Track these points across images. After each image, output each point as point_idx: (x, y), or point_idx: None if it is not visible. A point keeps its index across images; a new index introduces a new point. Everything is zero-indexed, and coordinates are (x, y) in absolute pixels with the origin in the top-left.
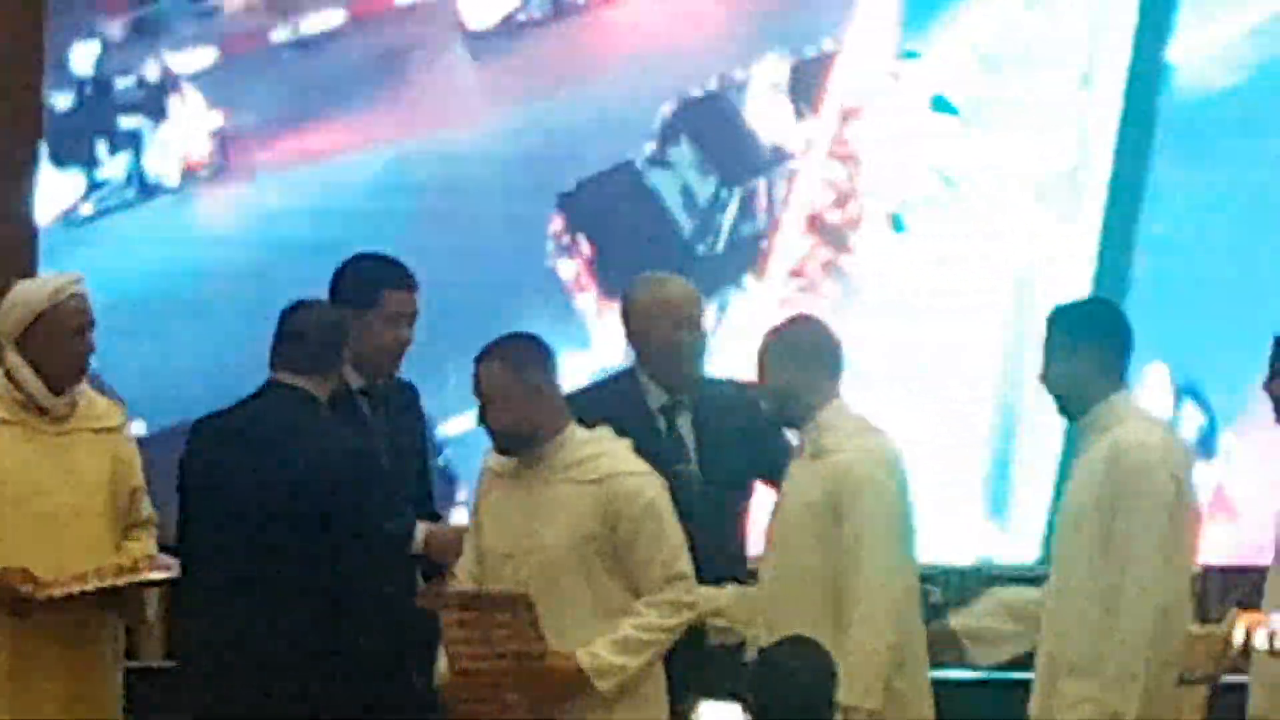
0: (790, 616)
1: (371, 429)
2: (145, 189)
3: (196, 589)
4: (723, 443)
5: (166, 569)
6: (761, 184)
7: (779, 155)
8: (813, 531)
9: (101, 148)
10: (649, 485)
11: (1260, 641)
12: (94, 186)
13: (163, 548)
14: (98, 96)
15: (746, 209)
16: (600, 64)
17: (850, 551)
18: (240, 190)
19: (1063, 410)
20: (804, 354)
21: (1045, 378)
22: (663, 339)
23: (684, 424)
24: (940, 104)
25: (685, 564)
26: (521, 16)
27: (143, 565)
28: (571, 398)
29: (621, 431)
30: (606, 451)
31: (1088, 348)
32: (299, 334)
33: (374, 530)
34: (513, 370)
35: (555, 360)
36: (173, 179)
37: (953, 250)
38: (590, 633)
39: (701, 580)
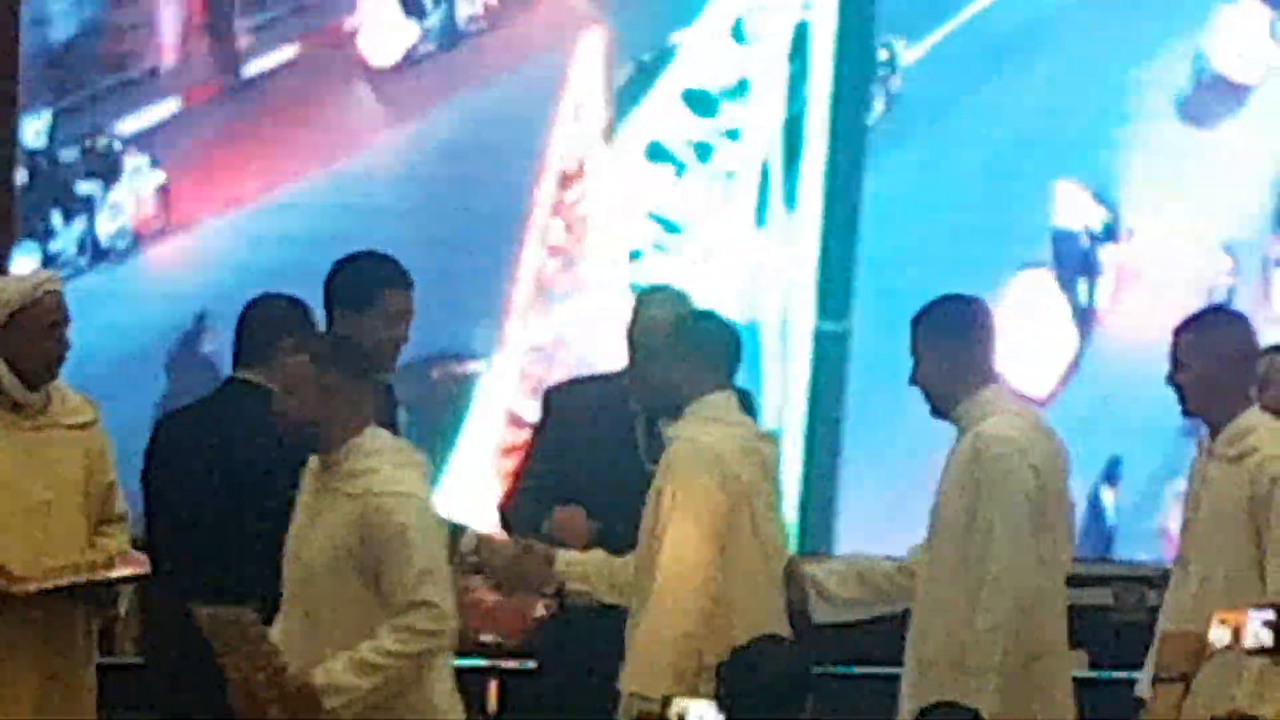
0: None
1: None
2: (98, 253)
3: (163, 585)
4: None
5: (140, 564)
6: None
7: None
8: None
9: (56, 218)
10: (405, 507)
11: (1238, 639)
12: (48, 260)
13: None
14: (50, 168)
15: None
16: (491, 87)
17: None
18: (185, 244)
19: (933, 409)
20: None
21: (914, 377)
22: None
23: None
24: (656, 151)
25: (431, 591)
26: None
27: (116, 561)
28: (561, 387)
29: (596, 428)
30: (380, 468)
31: (952, 345)
32: (248, 328)
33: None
34: (315, 365)
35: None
36: (124, 240)
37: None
38: (346, 647)
39: None
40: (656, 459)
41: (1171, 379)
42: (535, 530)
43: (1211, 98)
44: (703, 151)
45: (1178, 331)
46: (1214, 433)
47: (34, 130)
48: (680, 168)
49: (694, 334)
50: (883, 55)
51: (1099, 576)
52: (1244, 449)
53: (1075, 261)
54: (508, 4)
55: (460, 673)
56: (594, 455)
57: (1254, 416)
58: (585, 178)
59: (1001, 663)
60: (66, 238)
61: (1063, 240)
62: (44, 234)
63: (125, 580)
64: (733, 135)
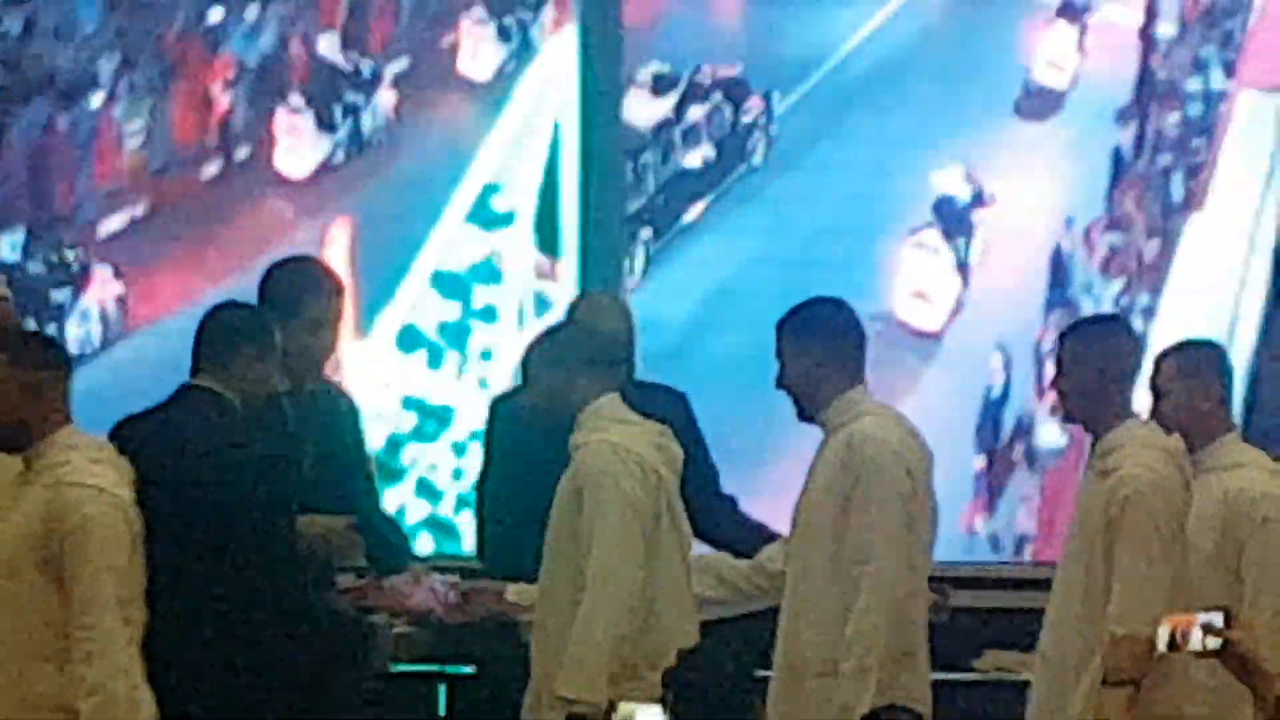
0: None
1: (295, 433)
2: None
3: None
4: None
5: None
6: None
7: None
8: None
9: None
10: (92, 500)
11: (1189, 642)
12: None
13: None
14: (23, 279)
15: None
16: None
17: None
18: (144, 344)
19: (800, 412)
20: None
21: (780, 381)
22: None
23: None
24: (410, 337)
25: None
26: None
27: None
28: (506, 395)
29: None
30: (73, 460)
31: (819, 346)
32: (204, 336)
33: (281, 534)
34: (11, 364)
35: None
36: (94, 344)
37: None
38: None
39: None
40: None
41: (1054, 383)
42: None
43: (1037, 101)
44: (457, 334)
45: (1063, 336)
46: (1094, 442)
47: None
48: (436, 352)
49: (586, 342)
50: (760, 105)
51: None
52: (1109, 465)
53: (953, 222)
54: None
55: (409, 677)
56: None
57: (1125, 432)
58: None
59: (877, 665)
60: None
61: (943, 204)
62: None
63: None
64: (488, 316)
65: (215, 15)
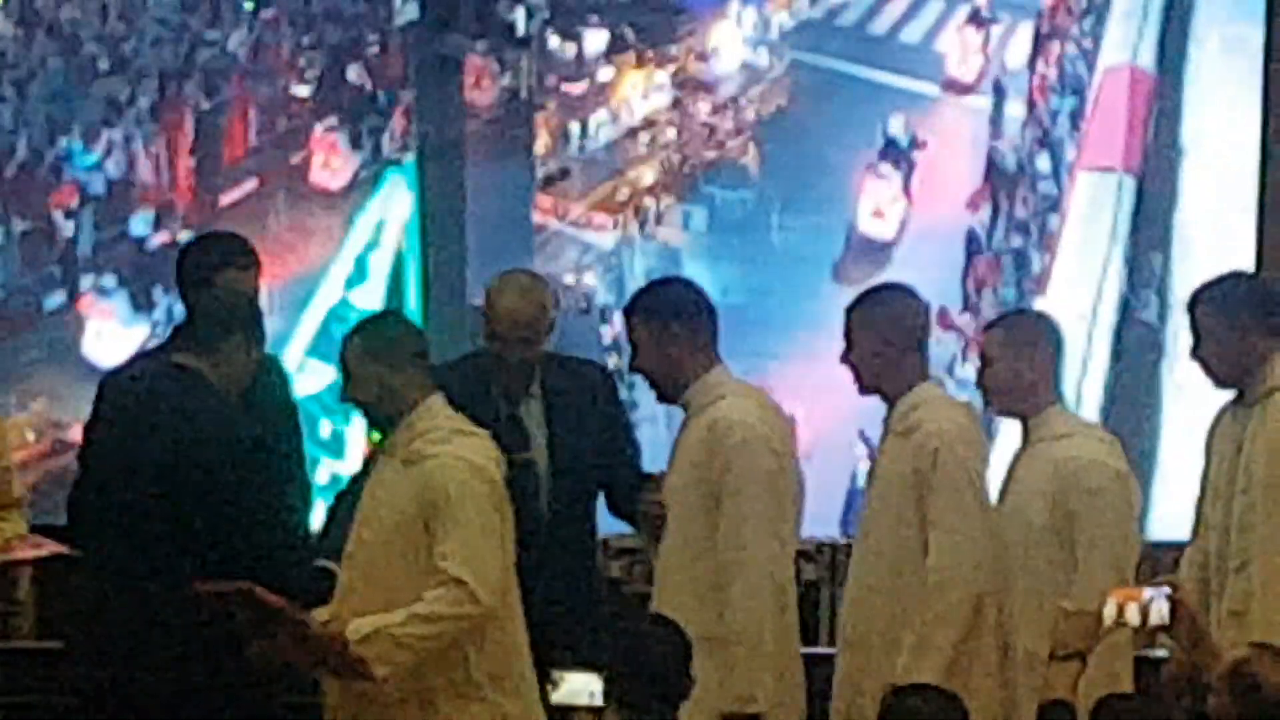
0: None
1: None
2: None
3: (88, 567)
4: (574, 432)
5: (38, 547)
6: None
7: None
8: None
9: None
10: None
11: (1132, 617)
12: None
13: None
14: None
15: None
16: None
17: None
18: None
19: (660, 395)
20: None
21: (635, 364)
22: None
23: (531, 412)
24: None
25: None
26: None
27: (14, 544)
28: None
29: (460, 411)
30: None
31: (675, 327)
32: (190, 316)
33: (256, 509)
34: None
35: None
36: None
37: None
38: None
39: (553, 570)
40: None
41: (844, 358)
42: None
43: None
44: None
45: (849, 310)
46: (890, 407)
47: None
48: None
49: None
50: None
51: None
52: (911, 424)
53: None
54: None
55: None
56: None
57: (924, 391)
58: None
59: (771, 645)
60: None
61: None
62: None
63: (23, 563)
64: (336, 450)
65: (61, 141)
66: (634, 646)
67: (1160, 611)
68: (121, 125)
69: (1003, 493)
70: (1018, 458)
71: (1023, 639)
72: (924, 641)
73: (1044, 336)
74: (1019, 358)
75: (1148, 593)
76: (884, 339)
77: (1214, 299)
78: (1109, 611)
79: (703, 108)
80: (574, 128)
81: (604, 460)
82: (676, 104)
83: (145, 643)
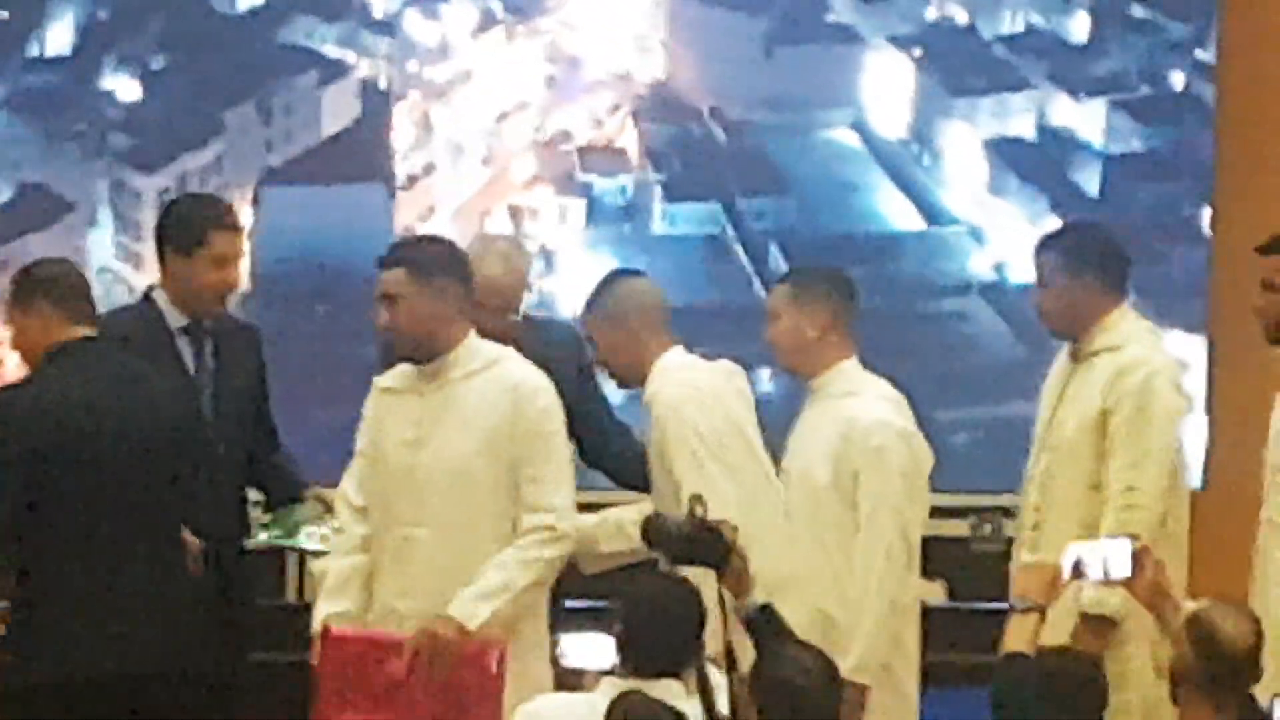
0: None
1: (193, 370)
2: None
3: (37, 544)
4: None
5: None
6: None
7: None
8: None
9: None
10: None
11: (1092, 570)
12: None
13: None
14: None
15: None
16: None
17: None
18: None
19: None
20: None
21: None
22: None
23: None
24: None
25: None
26: None
27: None
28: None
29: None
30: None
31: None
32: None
33: (194, 471)
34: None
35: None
36: None
37: None
38: None
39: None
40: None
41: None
42: None
43: None
44: None
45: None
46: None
47: None
48: None
49: None
50: None
51: (955, 508)
52: (649, 395)
53: None
54: None
55: None
56: None
57: (664, 360)
58: None
59: None
60: None
61: None
62: None
63: None
64: None
65: None
66: (649, 606)
67: (1121, 564)
68: None
69: (789, 451)
70: (803, 416)
71: (809, 597)
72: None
73: (830, 293)
74: (802, 314)
75: (1108, 545)
76: (623, 327)
77: (1060, 248)
78: (1068, 565)
79: (577, 84)
80: (438, 116)
81: (577, 414)
82: (550, 82)
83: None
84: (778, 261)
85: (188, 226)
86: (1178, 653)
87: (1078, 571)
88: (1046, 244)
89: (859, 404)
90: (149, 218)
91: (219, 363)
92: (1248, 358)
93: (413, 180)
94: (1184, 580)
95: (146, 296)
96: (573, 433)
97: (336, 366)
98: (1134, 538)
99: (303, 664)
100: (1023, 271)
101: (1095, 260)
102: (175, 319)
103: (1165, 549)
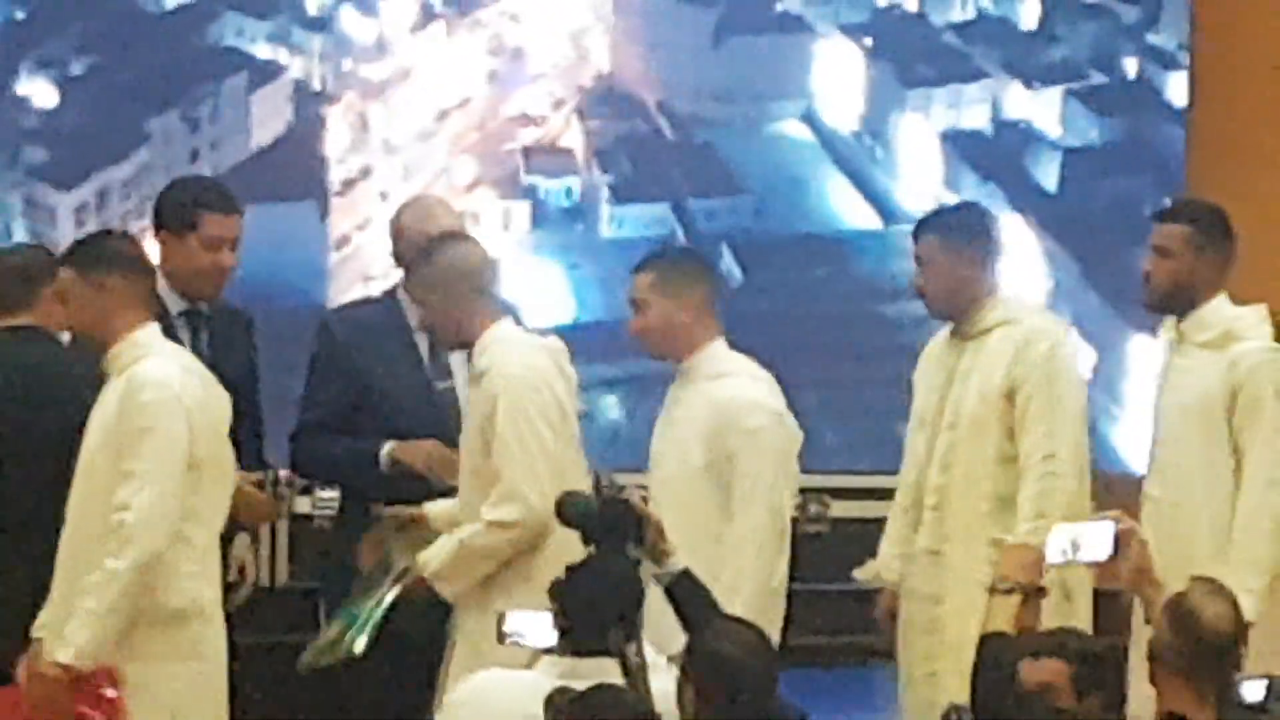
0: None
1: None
2: None
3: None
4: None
5: None
6: None
7: None
8: None
9: None
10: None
11: (1078, 550)
12: None
13: None
14: None
15: None
16: None
17: None
18: None
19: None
20: None
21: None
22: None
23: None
24: None
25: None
26: None
27: None
28: (333, 314)
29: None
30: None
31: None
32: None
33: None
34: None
35: None
36: None
37: None
38: None
39: None
40: (441, 377)
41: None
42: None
43: None
44: None
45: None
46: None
47: None
48: None
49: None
50: None
51: None
52: (482, 367)
53: None
54: None
55: None
56: (382, 377)
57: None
58: None
59: None
60: None
61: None
62: None
63: None
64: None
65: None
66: (585, 585)
67: (1103, 545)
68: None
69: (657, 433)
70: (673, 398)
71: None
72: None
73: (697, 275)
74: (672, 299)
75: (1092, 525)
76: (439, 288)
77: (940, 227)
78: (1052, 546)
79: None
80: (375, 116)
81: None
82: (492, 77)
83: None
84: (730, 265)
85: (179, 209)
86: (1156, 634)
87: (1061, 553)
88: (926, 224)
89: (733, 384)
90: (66, 236)
91: (214, 349)
92: None
93: (349, 185)
94: None
95: None
96: None
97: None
98: (1043, 518)
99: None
100: None
101: (977, 239)
102: (175, 303)
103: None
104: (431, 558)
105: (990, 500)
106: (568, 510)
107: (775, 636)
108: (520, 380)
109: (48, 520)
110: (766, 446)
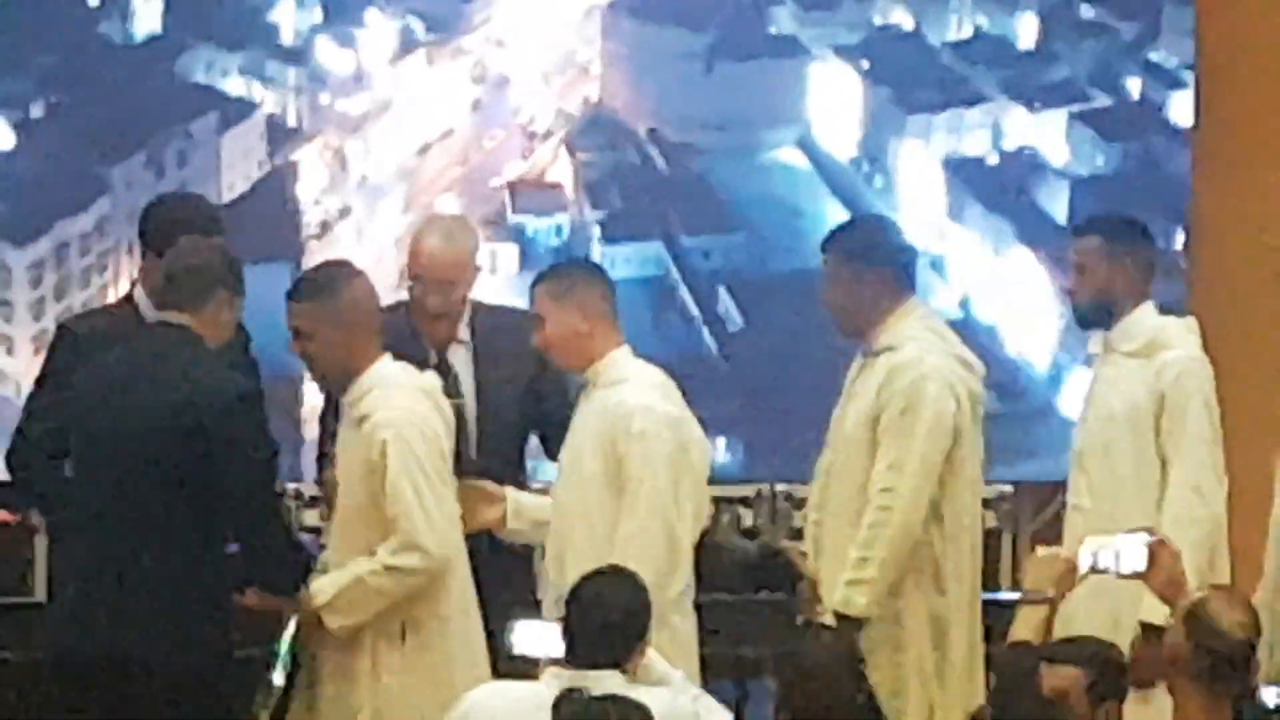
0: None
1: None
2: None
3: (70, 525)
4: (501, 380)
5: None
6: None
7: None
8: None
9: None
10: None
11: (1107, 562)
12: None
13: None
14: None
15: None
16: None
17: None
18: None
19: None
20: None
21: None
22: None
23: (460, 358)
24: None
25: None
26: None
27: None
28: None
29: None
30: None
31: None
32: (168, 276)
33: (249, 466)
34: None
35: None
36: None
37: None
38: None
39: None
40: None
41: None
42: None
43: None
44: None
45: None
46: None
47: None
48: None
49: None
50: None
51: None
52: (364, 411)
53: None
54: None
55: None
56: None
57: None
58: None
59: None
60: None
61: None
62: None
63: None
64: None
65: None
66: (592, 598)
67: (1136, 558)
68: None
69: (565, 441)
70: (578, 409)
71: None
72: None
73: (592, 282)
74: (568, 310)
75: (1124, 538)
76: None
77: (843, 243)
78: (1085, 557)
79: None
80: (353, 152)
81: (535, 406)
82: (477, 105)
83: (135, 601)
84: (728, 305)
85: (159, 228)
86: (1174, 643)
87: (1093, 565)
88: (831, 239)
89: (625, 390)
90: (21, 296)
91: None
92: (1226, 390)
93: (326, 228)
94: (971, 577)
95: (128, 296)
96: (536, 425)
97: None
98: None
99: None
100: (989, 307)
101: (879, 256)
102: (153, 318)
103: (946, 547)
104: (325, 588)
105: (853, 526)
106: (717, 561)
107: (690, 645)
108: (408, 427)
109: (120, 515)
110: (654, 452)
